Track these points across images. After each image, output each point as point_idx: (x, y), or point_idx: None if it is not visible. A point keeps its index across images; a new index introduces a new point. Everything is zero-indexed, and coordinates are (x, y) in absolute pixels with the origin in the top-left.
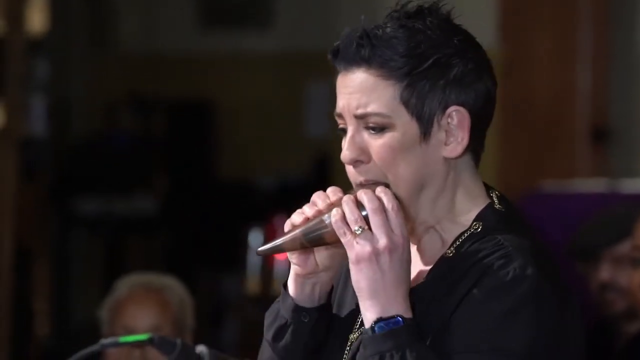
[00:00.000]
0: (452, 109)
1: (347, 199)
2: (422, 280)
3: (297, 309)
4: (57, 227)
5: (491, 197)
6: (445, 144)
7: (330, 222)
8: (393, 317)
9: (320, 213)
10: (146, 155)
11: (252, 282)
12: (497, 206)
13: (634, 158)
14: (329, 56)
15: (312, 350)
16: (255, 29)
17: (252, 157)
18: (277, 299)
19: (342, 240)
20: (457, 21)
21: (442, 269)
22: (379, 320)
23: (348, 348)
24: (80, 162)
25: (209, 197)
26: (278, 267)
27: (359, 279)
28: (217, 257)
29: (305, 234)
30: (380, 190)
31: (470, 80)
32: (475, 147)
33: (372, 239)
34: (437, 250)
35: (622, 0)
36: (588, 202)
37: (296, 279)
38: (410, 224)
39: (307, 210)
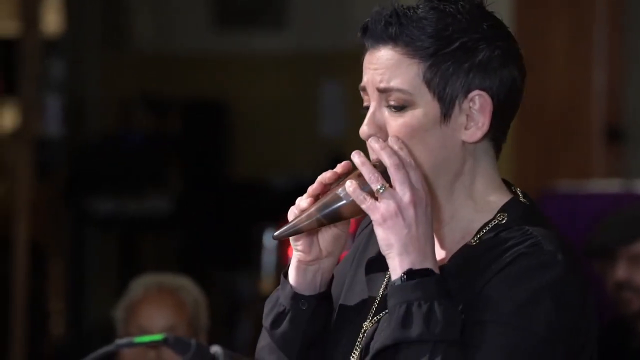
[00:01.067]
0: (474, 93)
1: (363, 160)
2: (442, 264)
3: (296, 297)
4: (72, 227)
5: (515, 192)
6: (465, 128)
7: (345, 194)
8: (424, 269)
9: (329, 189)
10: (160, 155)
11: (266, 282)
12: (522, 199)
13: None
14: (358, 33)
15: (310, 338)
16: (269, 29)
17: (265, 157)
18: (278, 287)
19: (363, 206)
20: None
21: (465, 256)
22: (409, 271)
23: (361, 336)
24: (95, 162)
25: (222, 197)
26: None
27: (388, 236)
28: (230, 257)
29: (320, 210)
30: (394, 143)
31: (495, 67)
32: (495, 136)
33: (395, 195)
34: (458, 238)
35: (637, 0)
36: (603, 202)
37: (298, 266)
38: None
39: (313, 187)
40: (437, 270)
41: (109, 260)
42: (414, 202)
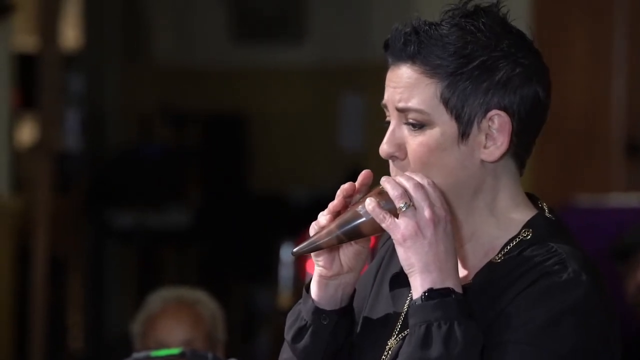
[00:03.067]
0: (493, 113)
1: (386, 179)
2: (466, 283)
3: (318, 311)
4: (92, 240)
5: (540, 207)
6: (484, 147)
7: (365, 212)
8: (445, 288)
9: (349, 209)
10: (180, 168)
11: (285, 296)
12: (548, 215)
13: None
14: (383, 49)
15: (332, 352)
16: (289, 42)
17: (285, 170)
18: (299, 301)
19: (383, 225)
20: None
21: (490, 273)
22: (430, 290)
23: (386, 354)
24: (115, 175)
25: (242, 210)
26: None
27: (409, 255)
28: (250, 270)
29: (340, 227)
30: (409, 172)
31: (516, 85)
32: (517, 152)
33: (415, 215)
34: (481, 256)
35: None
36: (622, 216)
37: (320, 281)
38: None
39: (333, 203)
40: (459, 289)
41: (129, 274)
42: (434, 220)
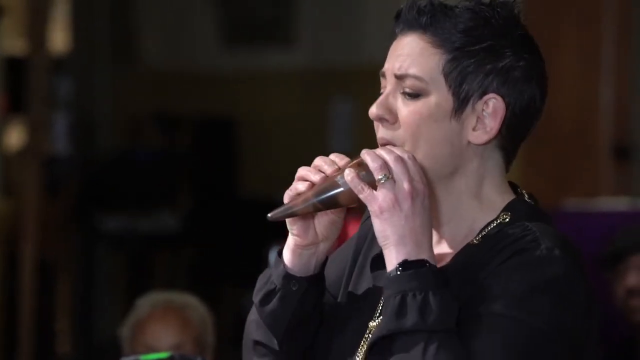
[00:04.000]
0: (490, 96)
1: (366, 151)
2: (444, 263)
3: (288, 277)
4: (81, 244)
5: (521, 193)
6: (473, 129)
7: (343, 182)
8: (420, 260)
9: (328, 178)
10: (170, 172)
11: None
12: (528, 200)
13: None
14: (393, 19)
15: (298, 318)
16: (280, 46)
17: (276, 174)
18: (271, 264)
19: (361, 196)
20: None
21: (468, 255)
22: (404, 262)
23: (367, 335)
24: (104, 179)
25: (232, 214)
26: None
27: (385, 227)
28: (240, 274)
29: (317, 195)
30: (390, 147)
31: (516, 78)
32: (505, 146)
33: (393, 187)
34: (462, 237)
35: None
36: (611, 220)
37: (294, 249)
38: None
39: (313, 176)
40: (433, 261)
41: (119, 278)
42: (412, 193)
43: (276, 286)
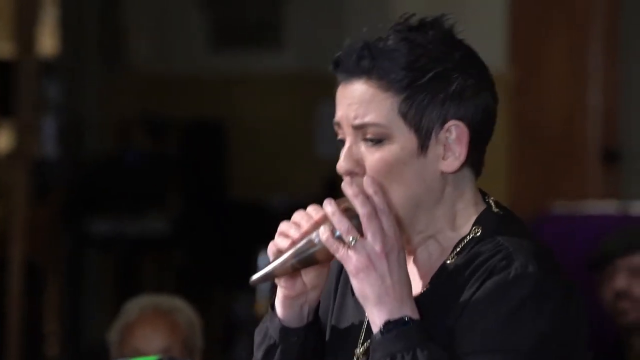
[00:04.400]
0: (450, 124)
1: (334, 211)
2: (423, 289)
3: (285, 330)
4: (70, 247)
5: (488, 203)
6: (443, 159)
7: (319, 241)
8: (401, 318)
9: (306, 234)
10: (159, 175)
11: (263, 304)
12: (495, 209)
13: None
14: (331, 67)
15: None
16: (267, 50)
17: (264, 177)
18: (265, 318)
19: (337, 255)
20: (463, 36)
21: (443, 277)
22: (387, 323)
23: None
24: (93, 182)
25: (221, 217)
26: None
27: (362, 287)
28: (229, 278)
29: (295, 256)
30: (368, 184)
31: (469, 95)
32: (474, 162)
33: (365, 247)
34: (436, 258)
35: (633, 20)
36: (599, 224)
37: (284, 301)
38: (405, 236)
39: (292, 232)
40: (415, 315)
41: (107, 281)
42: (386, 252)
43: (275, 340)
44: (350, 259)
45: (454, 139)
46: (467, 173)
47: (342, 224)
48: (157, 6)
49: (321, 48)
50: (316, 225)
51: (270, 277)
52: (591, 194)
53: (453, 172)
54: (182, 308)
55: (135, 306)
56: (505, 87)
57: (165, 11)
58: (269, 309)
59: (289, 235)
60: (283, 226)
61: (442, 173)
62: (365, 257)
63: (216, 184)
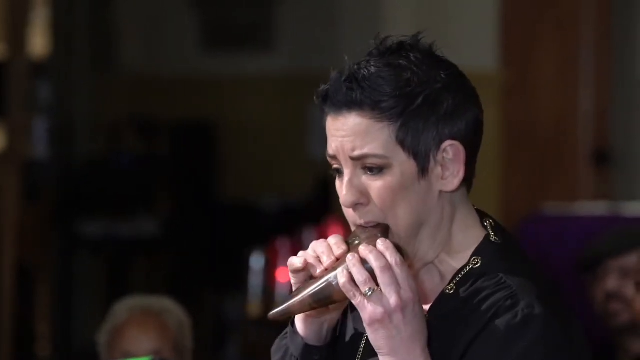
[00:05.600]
0: (446, 144)
1: (353, 260)
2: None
3: (308, 348)
4: (60, 249)
5: (485, 228)
6: (442, 178)
7: (336, 283)
8: None
9: (326, 271)
10: (149, 177)
11: (254, 305)
12: (493, 238)
13: (636, 181)
14: (317, 100)
15: None
16: (258, 51)
17: (254, 179)
18: (283, 334)
19: (354, 302)
20: (455, 38)
21: (444, 307)
22: None
23: None
24: (83, 184)
25: (212, 219)
26: (279, 290)
27: (376, 338)
28: (220, 279)
29: (313, 297)
30: (381, 245)
31: (460, 113)
32: (467, 176)
33: (382, 300)
34: (436, 285)
35: (623, 24)
36: (590, 225)
37: (306, 320)
38: (409, 261)
39: (311, 259)
40: None
41: (98, 283)
42: (401, 306)
43: (297, 358)
44: (366, 309)
45: (451, 158)
46: (462, 190)
47: (360, 274)
48: (148, 7)
49: (312, 49)
50: (335, 263)
51: (287, 314)
52: (582, 195)
53: (452, 190)
54: (171, 309)
55: (123, 308)
56: (496, 89)
57: (156, 13)
58: (290, 326)
59: (308, 265)
60: (306, 254)
61: (440, 193)
62: (382, 310)
63: (207, 185)
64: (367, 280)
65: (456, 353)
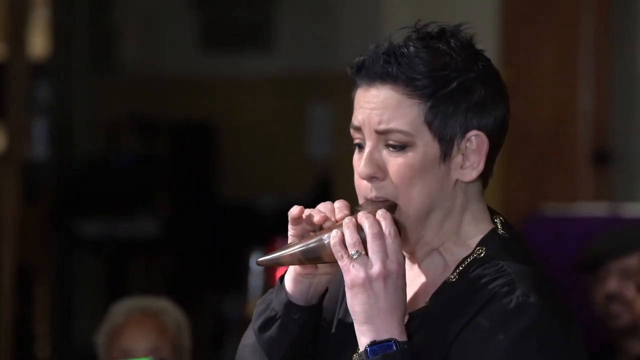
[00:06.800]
0: (472, 133)
1: (348, 222)
2: (424, 304)
3: (289, 305)
4: (60, 249)
5: (495, 223)
6: (461, 167)
7: (328, 243)
8: (387, 340)
9: (322, 231)
10: (149, 177)
11: (253, 304)
12: (501, 232)
13: (636, 182)
14: (351, 70)
15: (297, 347)
16: (257, 51)
17: (254, 179)
18: (271, 290)
19: (339, 263)
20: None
21: (446, 294)
22: (372, 344)
23: None
24: (83, 184)
25: (211, 219)
26: None
27: (354, 303)
28: (219, 279)
29: (304, 253)
30: (380, 214)
31: (490, 106)
32: (485, 172)
33: (366, 265)
34: (440, 272)
35: (623, 23)
36: (589, 226)
37: (294, 277)
38: (413, 245)
39: (313, 211)
40: (402, 337)
41: (97, 283)
42: (383, 275)
43: (277, 313)
44: (350, 272)
45: (474, 148)
46: (477, 184)
47: (351, 237)
48: (148, 8)
49: (312, 50)
50: (335, 226)
51: (276, 263)
52: (581, 196)
53: (469, 181)
54: (169, 309)
55: (121, 308)
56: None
57: (155, 13)
58: (278, 282)
59: (311, 219)
60: (319, 207)
61: (456, 182)
62: (364, 274)
63: (206, 185)
64: (357, 244)
65: (451, 336)
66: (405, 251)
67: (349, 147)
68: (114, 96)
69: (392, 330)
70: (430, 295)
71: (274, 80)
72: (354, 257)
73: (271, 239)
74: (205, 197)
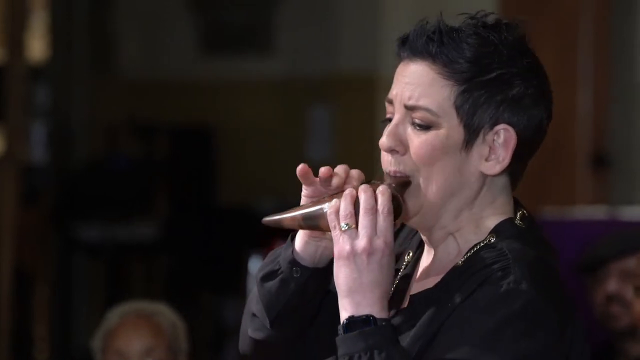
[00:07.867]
0: (501, 127)
1: (347, 193)
2: (431, 286)
3: (293, 262)
4: (59, 252)
5: (515, 213)
6: (486, 160)
7: (327, 212)
8: (365, 316)
9: (328, 198)
10: (148, 180)
11: None
12: (517, 222)
13: (635, 185)
14: (396, 43)
15: (294, 306)
16: (257, 54)
17: (253, 182)
18: (284, 245)
19: (332, 233)
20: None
21: (451, 279)
22: (350, 319)
23: None
24: (82, 187)
25: (210, 222)
26: None
27: (338, 275)
28: (218, 282)
29: (304, 218)
30: (380, 190)
31: (526, 105)
32: (513, 171)
33: (353, 238)
34: (452, 258)
35: (622, 26)
36: (588, 229)
37: (302, 237)
38: (405, 218)
39: (323, 170)
40: (382, 314)
41: (97, 286)
42: (368, 251)
43: (280, 267)
44: (338, 243)
45: (501, 142)
46: (505, 181)
47: (345, 208)
48: (147, 11)
49: (310, 53)
50: (338, 194)
51: (278, 225)
52: (580, 199)
53: (492, 175)
54: (164, 311)
55: (116, 312)
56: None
57: (154, 16)
58: (289, 238)
59: (324, 176)
60: (337, 169)
61: (482, 174)
62: (349, 247)
63: (205, 189)
64: (349, 216)
65: (444, 317)
66: (422, 235)
67: (348, 150)
68: (113, 99)
69: (372, 306)
70: (439, 279)
71: (274, 83)
72: (343, 228)
73: (270, 243)
74: (204, 200)
